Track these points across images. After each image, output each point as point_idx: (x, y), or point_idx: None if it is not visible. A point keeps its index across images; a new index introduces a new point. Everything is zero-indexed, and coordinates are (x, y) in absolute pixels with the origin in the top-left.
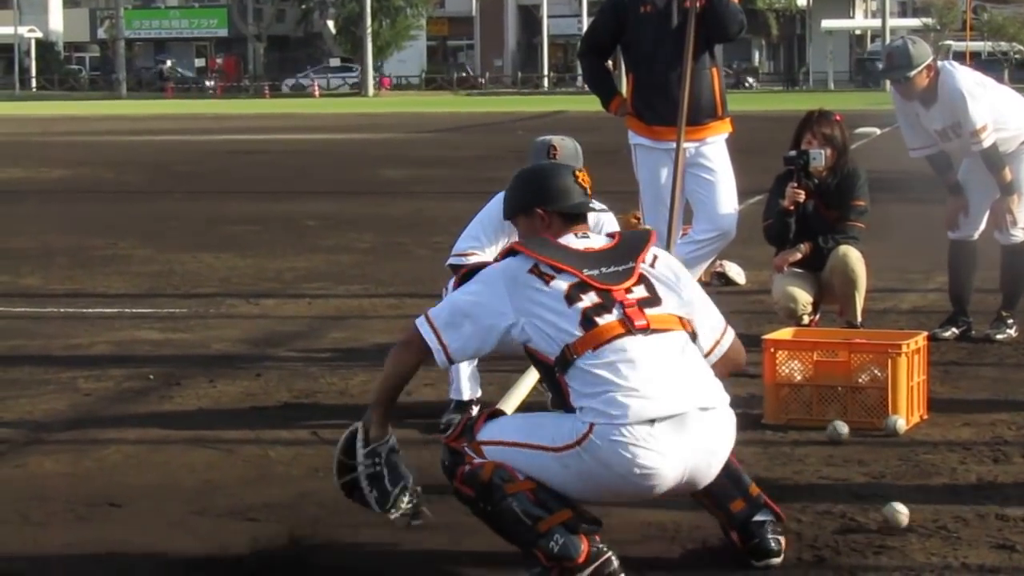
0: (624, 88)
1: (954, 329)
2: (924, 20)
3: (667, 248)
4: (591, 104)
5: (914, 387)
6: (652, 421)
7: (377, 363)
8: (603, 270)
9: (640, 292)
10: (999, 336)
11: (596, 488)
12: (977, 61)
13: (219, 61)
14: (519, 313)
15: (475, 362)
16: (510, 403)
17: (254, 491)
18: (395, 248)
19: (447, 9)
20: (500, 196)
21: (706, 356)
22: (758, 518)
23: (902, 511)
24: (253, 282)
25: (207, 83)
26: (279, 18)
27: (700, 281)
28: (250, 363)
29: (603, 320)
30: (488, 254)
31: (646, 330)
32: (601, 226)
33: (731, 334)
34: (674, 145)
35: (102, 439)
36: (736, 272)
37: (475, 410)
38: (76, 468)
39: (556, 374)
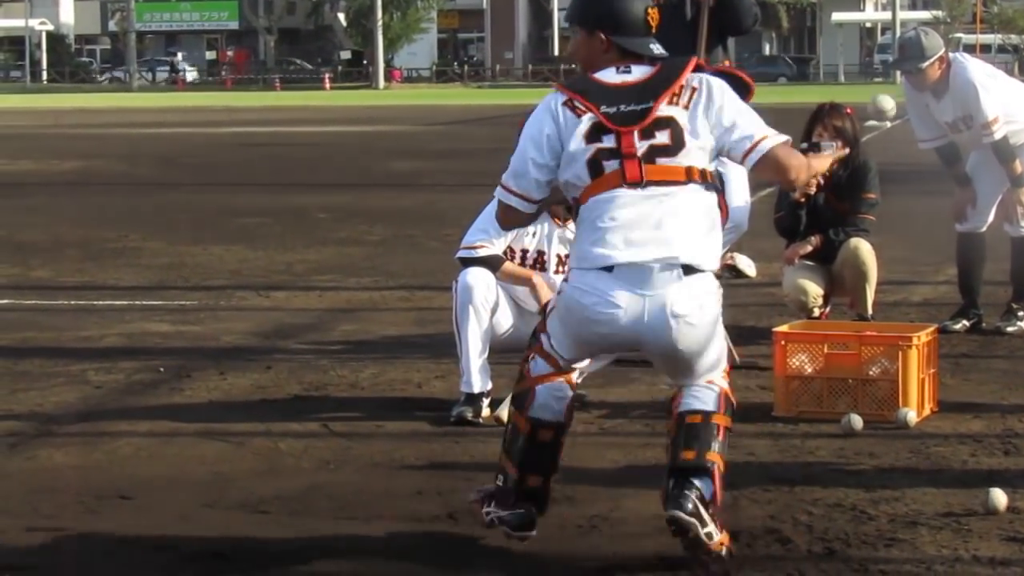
0: None
1: (965, 321)
2: (934, 13)
3: None
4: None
5: (924, 380)
6: (610, 268)
7: (387, 355)
8: (621, 108)
9: (660, 138)
10: (1010, 328)
11: (573, 334)
12: (987, 53)
13: (230, 54)
14: (552, 140)
15: (485, 354)
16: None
17: (265, 483)
18: (406, 240)
19: (457, 2)
20: None
21: (742, 161)
22: (695, 480)
23: (1000, 496)
24: (264, 274)
25: (218, 75)
26: (290, 11)
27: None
28: (260, 355)
29: (607, 166)
30: (498, 246)
31: (638, 182)
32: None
33: (774, 139)
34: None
35: (112, 431)
36: (746, 264)
37: (485, 403)
38: (86, 460)
39: (576, 218)
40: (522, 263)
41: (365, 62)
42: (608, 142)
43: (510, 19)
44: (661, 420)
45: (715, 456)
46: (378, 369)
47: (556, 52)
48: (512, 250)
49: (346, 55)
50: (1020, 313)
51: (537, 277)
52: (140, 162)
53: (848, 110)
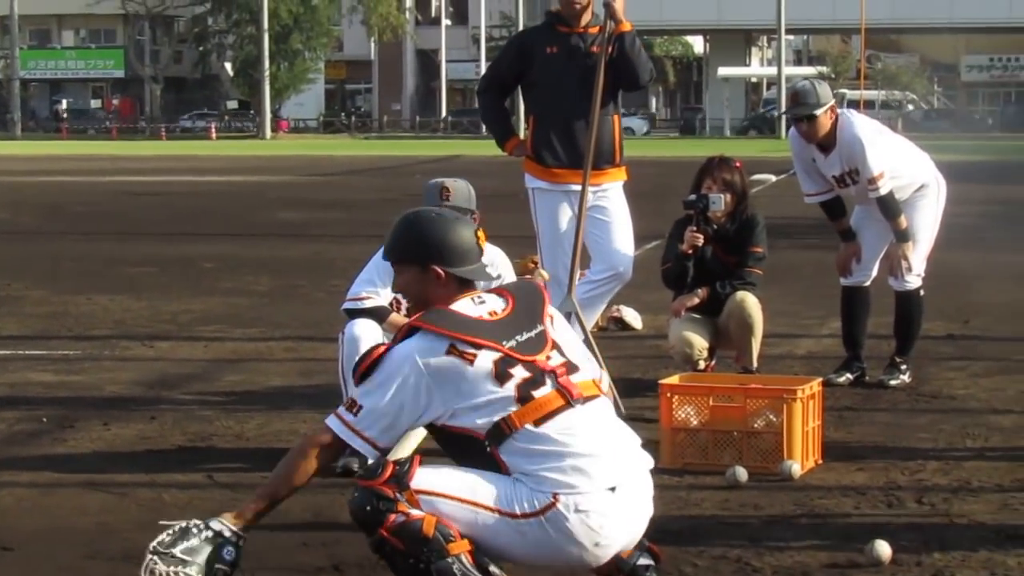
0: (523, 130)
1: (848, 375)
2: (819, 68)
3: (568, 293)
4: (488, 148)
5: (809, 432)
6: (613, 488)
7: (273, 406)
8: (518, 339)
9: (557, 358)
10: (892, 382)
11: (544, 557)
12: (871, 109)
13: (115, 102)
14: (446, 403)
15: None
16: (406, 446)
17: (149, 535)
18: (292, 291)
19: (345, 52)
20: None
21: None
22: (642, 562)
23: (884, 548)
24: (148, 324)
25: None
26: (176, 59)
27: (597, 326)
28: (145, 406)
29: (539, 393)
30: (383, 297)
31: (582, 399)
32: (495, 267)
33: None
34: (573, 187)
35: None
36: (633, 317)
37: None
38: None
39: (488, 447)
40: (408, 314)
41: (252, 112)
42: (522, 372)
43: (398, 71)
44: None
45: None
46: (264, 420)
47: (444, 104)
48: (399, 301)
49: (233, 105)
50: (903, 367)
51: None
52: (23, 210)
53: (737, 163)
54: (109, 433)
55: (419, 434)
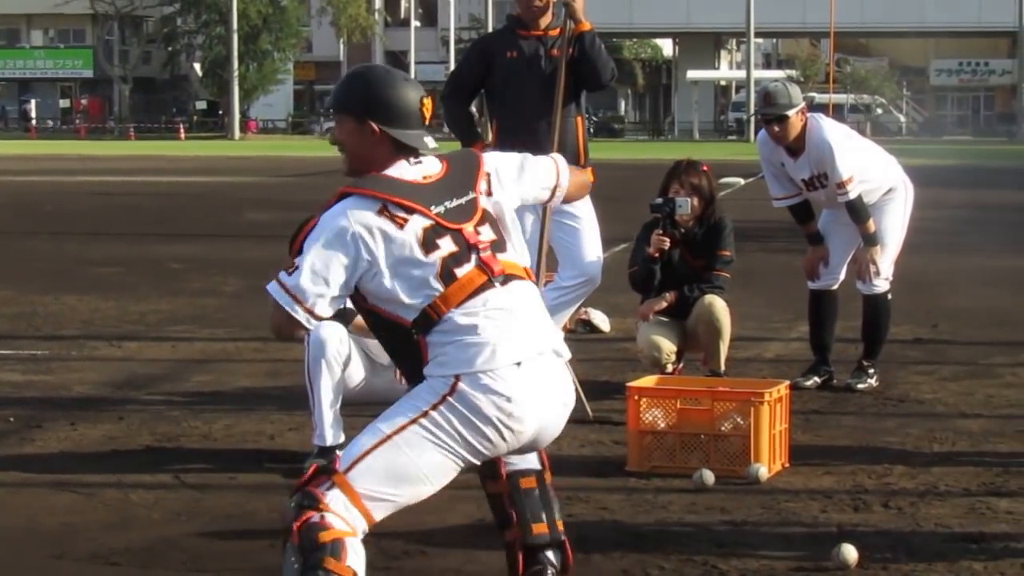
0: (488, 133)
1: (816, 378)
2: (788, 72)
3: None
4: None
5: (776, 435)
6: (519, 363)
7: (241, 407)
8: (447, 205)
9: (488, 234)
10: (860, 386)
11: (463, 448)
12: (839, 113)
13: (84, 102)
14: (374, 262)
15: (338, 407)
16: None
17: (115, 535)
18: (260, 292)
19: (314, 53)
20: None
21: (551, 199)
22: (550, 554)
23: (851, 551)
24: (116, 324)
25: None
26: (145, 60)
27: (565, 329)
28: (112, 406)
29: (462, 271)
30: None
31: (503, 276)
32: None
33: (564, 175)
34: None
35: None
36: (601, 319)
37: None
38: None
39: (415, 335)
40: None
41: (221, 112)
42: (448, 245)
43: None
44: None
45: (561, 524)
46: (231, 421)
47: None
48: None
49: (202, 105)
50: (871, 371)
51: None
52: None
53: (705, 167)
54: (76, 433)
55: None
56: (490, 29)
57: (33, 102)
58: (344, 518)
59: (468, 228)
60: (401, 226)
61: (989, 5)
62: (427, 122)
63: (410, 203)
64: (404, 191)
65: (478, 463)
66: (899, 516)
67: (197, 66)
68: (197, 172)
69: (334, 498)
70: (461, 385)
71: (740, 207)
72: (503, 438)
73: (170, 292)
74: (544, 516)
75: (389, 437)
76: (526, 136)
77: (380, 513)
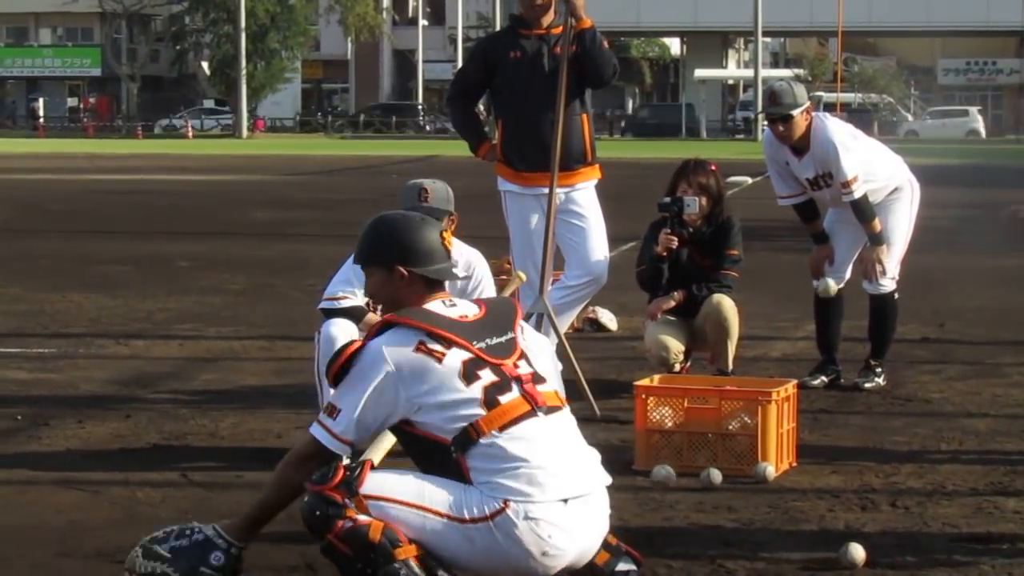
0: (495, 133)
1: (823, 377)
2: (796, 71)
3: (540, 294)
4: (465, 148)
5: (783, 434)
6: (566, 500)
7: (248, 405)
8: (488, 342)
9: (526, 367)
10: (867, 385)
11: (493, 564)
12: (847, 112)
13: (92, 100)
14: (412, 400)
15: None
16: (376, 454)
17: (121, 533)
18: (267, 290)
19: (322, 52)
20: None
21: None
22: (622, 567)
23: (858, 551)
24: (123, 322)
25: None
26: (153, 58)
27: (572, 327)
28: (119, 404)
29: (505, 399)
30: (360, 297)
31: (546, 408)
32: (472, 267)
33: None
34: (544, 191)
35: None
36: (608, 318)
37: (345, 459)
38: None
39: (454, 454)
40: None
41: (229, 111)
42: (488, 376)
43: (374, 70)
44: None
45: (610, 537)
46: (238, 419)
47: (420, 102)
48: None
49: (209, 104)
50: (878, 370)
51: None
52: None
53: (713, 166)
54: (84, 431)
55: (390, 439)
56: (498, 27)
57: (41, 100)
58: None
59: (508, 363)
60: (440, 360)
61: (997, 4)
62: (450, 255)
63: (450, 336)
64: (444, 324)
65: None
66: (906, 515)
67: (205, 64)
68: (205, 171)
69: (355, 508)
70: (508, 513)
71: (747, 206)
72: (531, 568)
73: (177, 290)
74: (599, 545)
75: (422, 508)
76: (531, 135)
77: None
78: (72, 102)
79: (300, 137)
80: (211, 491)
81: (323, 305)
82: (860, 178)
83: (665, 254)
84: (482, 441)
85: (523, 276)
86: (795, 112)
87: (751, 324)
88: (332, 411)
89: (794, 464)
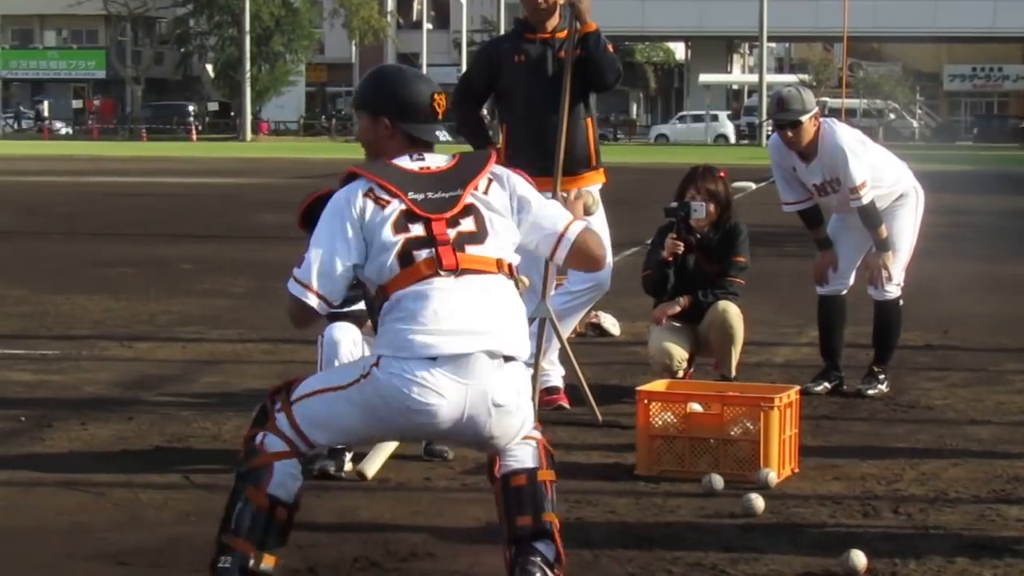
0: (499, 137)
1: (826, 383)
2: (801, 76)
3: (542, 299)
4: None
5: (786, 440)
6: (434, 359)
7: (250, 408)
8: (429, 195)
9: (466, 225)
10: (870, 391)
11: (379, 423)
12: (852, 117)
13: (96, 103)
14: (360, 244)
15: None
16: (375, 462)
17: (124, 535)
18: (270, 293)
19: (326, 55)
20: None
21: (552, 257)
22: (537, 545)
23: (860, 557)
24: (127, 325)
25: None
26: (157, 61)
27: (575, 332)
28: (122, 406)
29: (419, 256)
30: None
31: (454, 270)
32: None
33: (577, 226)
34: (548, 195)
35: None
36: (611, 323)
37: (348, 457)
38: None
39: (375, 304)
40: None
41: (232, 114)
42: (417, 230)
43: None
44: None
45: (551, 516)
46: (241, 421)
47: None
48: None
49: (213, 106)
50: (881, 376)
51: None
52: (2, 209)
53: (722, 173)
54: (87, 433)
55: (391, 445)
56: (502, 31)
57: (46, 103)
58: (287, 437)
59: (440, 219)
60: (383, 207)
61: (1003, 10)
62: (440, 117)
63: (394, 188)
64: (395, 177)
65: (412, 440)
66: (908, 522)
67: (209, 67)
68: (209, 173)
69: (280, 420)
70: (375, 369)
71: (751, 211)
72: (414, 424)
73: (181, 293)
74: (529, 509)
75: (325, 391)
76: (536, 139)
77: (322, 440)
78: (77, 104)
79: (304, 140)
80: (214, 493)
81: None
82: (869, 184)
83: (671, 259)
84: (387, 301)
85: (526, 281)
86: (804, 118)
87: (754, 329)
88: (300, 261)
89: (796, 470)
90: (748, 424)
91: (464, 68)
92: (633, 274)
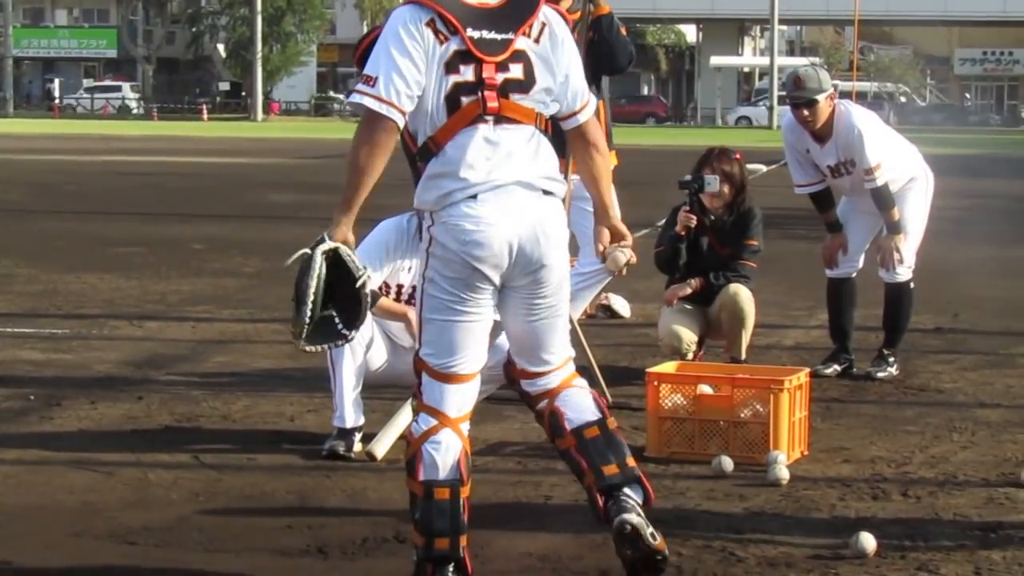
0: None
1: (836, 366)
2: (811, 60)
3: None
4: None
5: (795, 423)
6: (475, 196)
7: (260, 388)
8: (484, 34)
9: (514, 72)
10: (880, 374)
11: (454, 280)
12: (863, 100)
13: (107, 82)
14: (424, 62)
15: (359, 389)
16: (384, 442)
17: (133, 514)
18: (281, 273)
19: (338, 36)
20: (385, 224)
21: (562, 120)
22: (627, 491)
23: (869, 540)
24: (137, 304)
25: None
26: (169, 40)
27: (585, 313)
28: (132, 385)
29: (466, 100)
30: (374, 281)
31: (496, 115)
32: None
33: (588, 111)
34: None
35: None
36: (621, 305)
37: (357, 437)
38: None
39: (417, 162)
40: (397, 299)
41: (244, 94)
42: (467, 74)
43: None
44: (533, 459)
45: (632, 460)
46: (250, 401)
47: None
48: (388, 285)
49: (224, 86)
50: (891, 359)
51: (412, 313)
52: (14, 188)
53: (737, 155)
54: (96, 412)
55: (404, 420)
56: None
57: (57, 81)
58: (429, 406)
59: (491, 62)
60: (442, 43)
61: None
62: None
63: (456, 22)
64: (456, 8)
65: (482, 297)
66: (918, 505)
67: (221, 47)
68: (220, 153)
69: (424, 383)
70: (431, 229)
71: (761, 194)
72: (475, 257)
73: (191, 272)
74: (613, 458)
75: (423, 320)
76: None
77: (461, 355)
78: (88, 83)
79: (315, 120)
80: (223, 473)
81: None
82: (883, 165)
83: (683, 232)
84: (434, 151)
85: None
86: (820, 97)
87: (765, 312)
88: (369, 80)
89: (806, 452)
90: (758, 406)
91: None
92: (644, 256)
